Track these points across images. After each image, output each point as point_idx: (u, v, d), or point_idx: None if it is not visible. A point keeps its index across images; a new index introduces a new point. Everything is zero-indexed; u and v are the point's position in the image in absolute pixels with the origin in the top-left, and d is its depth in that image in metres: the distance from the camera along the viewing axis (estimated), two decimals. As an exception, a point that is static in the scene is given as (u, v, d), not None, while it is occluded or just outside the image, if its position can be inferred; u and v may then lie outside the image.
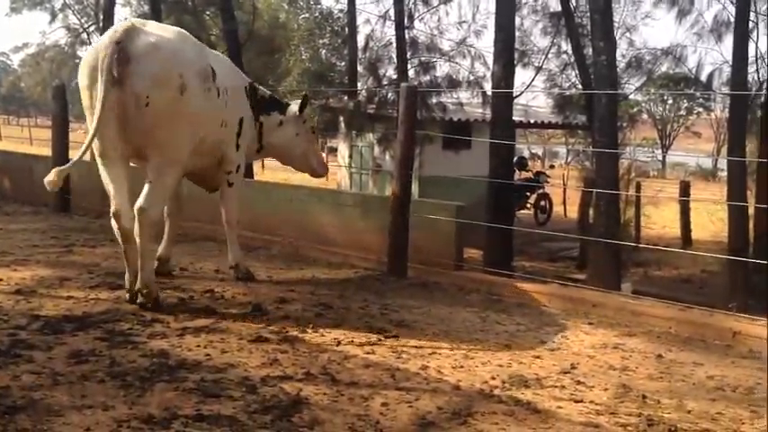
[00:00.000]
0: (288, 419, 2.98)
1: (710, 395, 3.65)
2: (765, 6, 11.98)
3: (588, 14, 11.02)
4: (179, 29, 4.92)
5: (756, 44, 11.88)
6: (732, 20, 11.79)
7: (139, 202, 4.49)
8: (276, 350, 3.91)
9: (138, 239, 4.50)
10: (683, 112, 53.76)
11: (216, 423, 2.87)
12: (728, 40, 12.09)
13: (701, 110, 51.15)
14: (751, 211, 10.40)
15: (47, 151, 9.98)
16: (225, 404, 3.08)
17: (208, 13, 20.75)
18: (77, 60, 29.77)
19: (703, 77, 14.79)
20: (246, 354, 3.81)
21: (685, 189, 16.71)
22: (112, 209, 4.54)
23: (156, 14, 15.72)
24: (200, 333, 4.11)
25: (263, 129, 5.75)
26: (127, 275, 4.65)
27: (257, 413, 3.02)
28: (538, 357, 4.14)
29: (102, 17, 20.18)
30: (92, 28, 28.46)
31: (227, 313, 4.57)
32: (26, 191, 9.59)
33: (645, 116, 49.53)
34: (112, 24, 18.23)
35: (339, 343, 4.13)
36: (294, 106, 5.90)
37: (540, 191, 19.38)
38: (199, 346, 3.88)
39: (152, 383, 3.27)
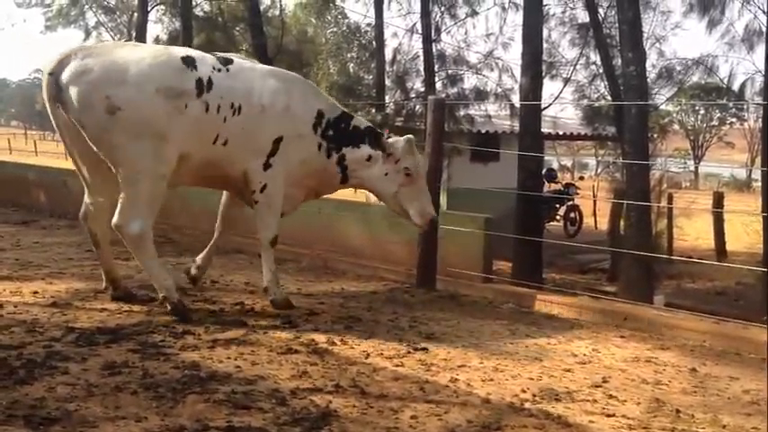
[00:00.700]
0: (318, 431, 2.99)
1: (746, 409, 3.59)
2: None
3: (617, 25, 10.95)
4: (164, 47, 5.18)
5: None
6: (764, 29, 11.65)
7: (114, 219, 4.72)
8: (306, 362, 3.92)
9: (136, 255, 4.85)
10: (715, 123, 53.11)
11: (246, 434, 2.89)
12: (760, 49, 11.94)
13: (733, 120, 50.50)
14: (787, 222, 10.21)
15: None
16: (255, 416, 3.10)
17: (237, 29, 21.03)
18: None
19: (735, 87, 14.60)
20: (276, 366, 3.83)
21: (719, 200, 16.46)
22: (81, 211, 5.11)
23: (186, 31, 15.98)
24: (231, 345, 4.15)
25: (345, 160, 5.33)
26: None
27: (287, 425, 3.03)
28: (569, 371, 4.10)
29: (134, 34, 20.56)
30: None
31: (258, 325, 4.61)
32: (61, 205, 9.77)
33: (676, 127, 48.99)
34: (145, 41, 18.60)
35: (368, 355, 4.14)
36: (393, 142, 5.32)
37: (570, 203, 19.23)
38: (229, 358, 3.92)
39: (184, 395, 3.30)
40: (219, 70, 4.93)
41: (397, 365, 4.01)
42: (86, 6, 31.15)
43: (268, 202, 5.14)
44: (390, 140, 5.34)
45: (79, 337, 4.12)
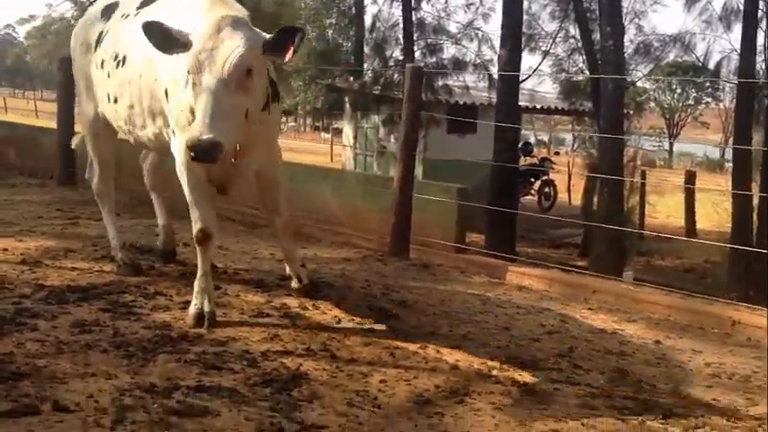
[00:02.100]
0: (287, 393, 3.02)
1: (706, 382, 3.69)
2: (775, -4, 11.88)
3: (599, -1, 10.94)
4: None
5: (765, 33, 11.81)
6: (741, 8, 11.72)
7: None
8: (277, 326, 3.94)
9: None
10: (691, 102, 53.56)
11: (216, 394, 2.91)
12: (737, 28, 12.02)
13: (709, 100, 50.95)
14: (755, 201, 10.39)
15: (52, 124, 9.99)
16: (225, 376, 3.12)
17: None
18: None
19: (711, 66, 14.71)
20: (248, 329, 3.84)
21: (691, 178, 16.69)
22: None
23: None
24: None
25: None
26: None
27: (257, 386, 3.06)
28: (536, 340, 4.17)
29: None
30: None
31: (230, 288, 4.60)
32: (31, 163, 9.62)
33: (652, 105, 49.32)
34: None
35: (339, 321, 4.16)
36: None
37: (545, 177, 19.38)
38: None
39: (154, 354, 3.30)
40: None
41: (368, 331, 4.05)
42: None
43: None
44: None
45: (49, 295, 4.09)
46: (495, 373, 3.53)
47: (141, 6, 4.40)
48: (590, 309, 5.06)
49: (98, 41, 4.60)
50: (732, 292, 7.66)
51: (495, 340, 4.09)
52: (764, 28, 11.82)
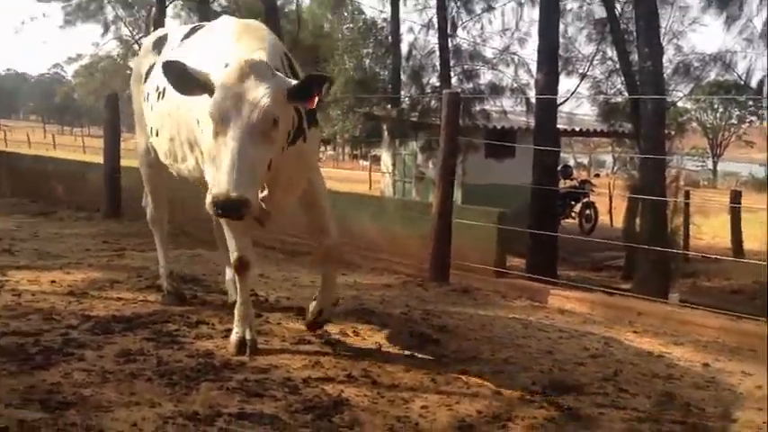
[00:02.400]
0: (328, 419, 3.02)
1: (757, 404, 3.58)
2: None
3: (634, 20, 10.88)
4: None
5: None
6: (783, 24, 11.54)
7: None
8: (318, 353, 3.95)
9: None
10: (734, 121, 52.62)
11: (258, 421, 2.93)
12: (781, 45, 11.81)
13: (753, 118, 49.97)
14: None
15: (99, 159, 10.26)
16: (267, 403, 3.14)
17: (254, 23, 21.04)
18: (129, 71, 30.62)
19: (753, 84, 14.46)
20: (289, 356, 3.86)
21: (736, 197, 16.32)
22: None
23: (204, 25, 16.02)
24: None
25: None
26: None
27: (299, 413, 3.07)
28: (580, 364, 4.10)
29: (153, 29, 20.70)
30: (143, 39, 29.31)
31: (271, 316, 4.64)
32: (79, 197, 9.88)
33: (694, 125, 48.54)
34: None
35: (380, 347, 4.16)
36: None
37: (585, 199, 19.16)
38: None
39: (197, 382, 3.34)
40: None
41: (409, 357, 4.03)
42: (105, 1, 31.41)
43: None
44: None
45: (95, 326, 4.17)
46: (537, 398, 3.48)
47: (184, 38, 4.45)
48: (635, 332, 4.96)
49: (147, 74, 4.62)
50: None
51: (538, 364, 4.04)
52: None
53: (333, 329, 4.41)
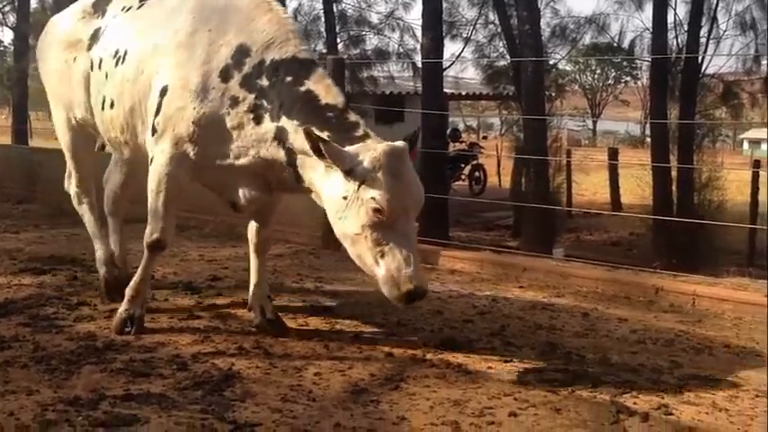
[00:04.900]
0: (219, 393, 2.97)
1: (632, 348, 3.80)
2: (683, -26, 12.33)
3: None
4: None
5: (675, 10, 12.23)
6: (652, -13, 12.11)
7: None
8: (208, 327, 3.87)
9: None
10: (610, 81, 55.12)
11: (145, 401, 2.83)
12: (648, 7, 12.42)
13: (628, 78, 52.53)
14: (674, 173, 10.78)
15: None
16: (154, 382, 3.05)
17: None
18: None
19: (626, 45, 15.17)
20: (177, 332, 3.76)
21: (613, 155, 17.18)
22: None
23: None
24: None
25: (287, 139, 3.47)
26: None
27: (188, 389, 2.99)
28: (469, 321, 4.22)
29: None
30: (7, 8, 27.15)
31: (158, 293, 4.49)
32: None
33: (575, 86, 50.55)
34: (29, 6, 17.45)
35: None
36: (357, 148, 3.22)
37: (475, 162, 19.62)
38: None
39: (78, 366, 3.20)
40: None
41: (302, 325, 4.03)
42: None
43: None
44: (362, 143, 3.23)
45: (-36, 314, 3.91)
46: (429, 356, 3.55)
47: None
48: (521, 287, 5.15)
49: (94, 39, 4.10)
50: (656, 261, 7.93)
51: (429, 324, 4.13)
52: (674, 6, 12.28)
53: (222, 303, 4.33)
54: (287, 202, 6.73)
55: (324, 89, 3.40)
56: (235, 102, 3.45)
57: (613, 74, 53.49)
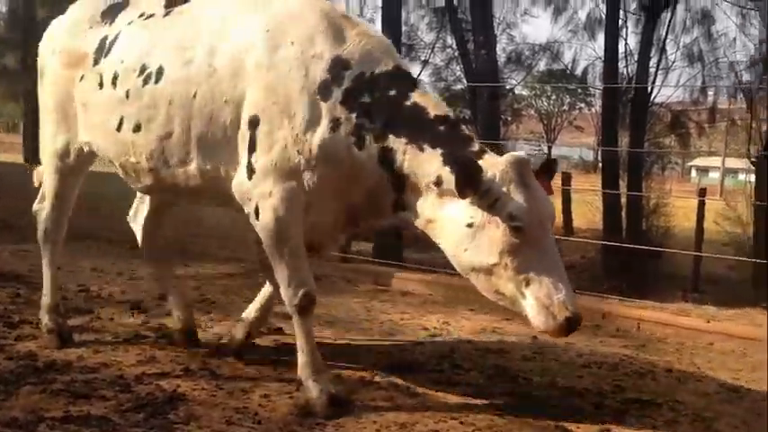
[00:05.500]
0: (162, 416, 2.92)
1: (578, 372, 3.86)
2: (633, 5, 12.70)
3: (469, 9, 11.30)
4: None
5: (626, 41, 12.57)
6: (603, 18, 12.43)
7: None
8: (154, 347, 3.81)
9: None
10: (565, 108, 56.16)
11: (84, 424, 2.77)
12: (601, 36, 12.74)
13: (582, 105, 53.59)
14: (623, 199, 11.00)
15: None
16: (95, 404, 2.98)
17: None
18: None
19: (579, 72, 15.51)
20: (122, 352, 3.70)
21: (567, 180, 17.44)
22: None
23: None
24: (73, 333, 3.94)
25: (395, 159, 3.07)
26: None
27: (130, 411, 2.94)
28: (419, 344, 4.24)
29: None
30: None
31: (104, 312, 4.41)
32: None
33: (531, 111, 51.35)
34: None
35: (221, 338, 4.05)
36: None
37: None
38: (70, 346, 3.73)
39: (17, 386, 3.12)
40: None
41: (251, 346, 3.97)
42: None
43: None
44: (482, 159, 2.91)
45: None
46: (377, 379, 3.55)
47: (171, 4, 3.57)
48: (471, 309, 5.19)
49: (102, 51, 3.57)
50: (605, 285, 8.07)
51: (380, 347, 4.13)
52: (625, 36, 12.61)
53: (170, 322, 4.26)
54: (239, 220, 6.71)
55: (430, 101, 3.06)
56: (336, 123, 3.01)
57: (568, 100, 54.54)
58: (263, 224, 3.12)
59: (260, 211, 3.11)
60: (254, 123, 3.06)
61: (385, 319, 4.80)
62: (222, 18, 3.31)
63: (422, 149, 2.92)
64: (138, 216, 4.13)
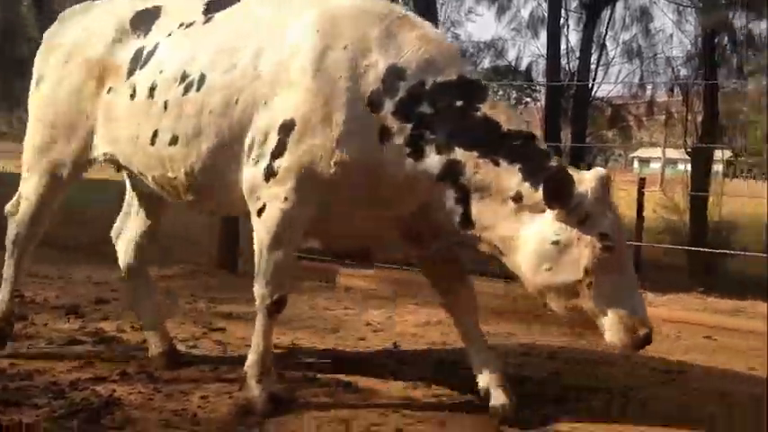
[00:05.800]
0: (97, 422, 2.86)
1: (518, 360, 3.92)
2: (574, 4, 12.97)
3: (413, 9, 11.37)
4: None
5: (567, 38, 12.82)
6: (546, 16, 12.65)
7: None
8: (90, 353, 3.72)
9: None
10: (512, 102, 56.93)
11: (14, 433, 2.69)
12: (543, 35, 12.97)
13: (528, 100, 54.40)
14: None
15: None
16: (26, 413, 2.89)
17: None
18: None
19: (523, 68, 15.73)
20: (56, 359, 3.60)
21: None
22: None
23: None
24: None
25: (462, 175, 2.96)
26: None
27: (63, 418, 2.86)
28: (362, 339, 4.25)
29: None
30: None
31: (38, 318, 4.29)
32: None
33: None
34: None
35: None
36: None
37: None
38: (1, 354, 3.61)
39: (-56, 398, 3.01)
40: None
41: (192, 347, 3.94)
42: None
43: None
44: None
45: None
46: (320, 376, 3.54)
47: (210, 11, 3.32)
48: (416, 304, 5.22)
49: (137, 62, 3.33)
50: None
51: (323, 343, 4.12)
52: (567, 34, 12.87)
53: (108, 327, 4.19)
54: (182, 220, 6.62)
55: (503, 114, 2.93)
56: (387, 134, 2.88)
57: (514, 95, 55.30)
58: (266, 222, 3.02)
59: (266, 210, 3.01)
60: (287, 127, 2.91)
61: (329, 315, 4.80)
62: (269, 21, 3.14)
63: (497, 164, 2.82)
64: (124, 233, 3.96)
